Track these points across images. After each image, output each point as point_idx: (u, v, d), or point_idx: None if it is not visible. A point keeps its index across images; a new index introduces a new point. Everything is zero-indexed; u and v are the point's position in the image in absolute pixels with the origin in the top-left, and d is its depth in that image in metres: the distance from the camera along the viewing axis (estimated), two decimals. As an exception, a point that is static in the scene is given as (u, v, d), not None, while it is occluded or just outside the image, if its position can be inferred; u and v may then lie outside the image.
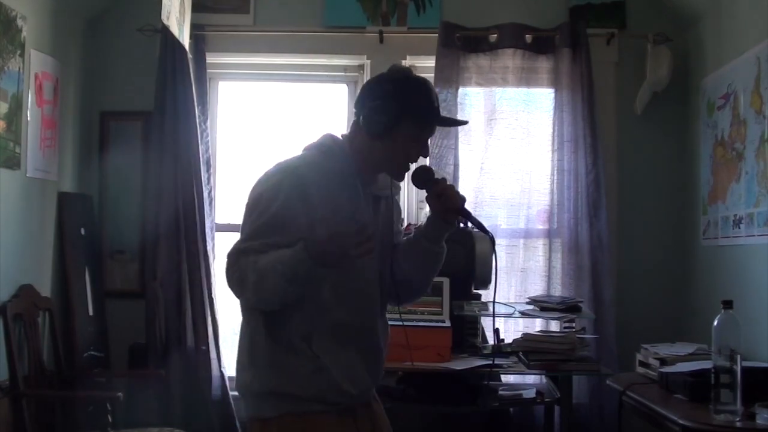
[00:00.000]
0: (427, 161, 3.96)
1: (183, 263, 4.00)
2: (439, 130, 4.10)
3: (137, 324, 4.00)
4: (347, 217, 1.96)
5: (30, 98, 3.63)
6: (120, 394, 3.40)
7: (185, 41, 4.05)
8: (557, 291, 4.07)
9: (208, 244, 4.07)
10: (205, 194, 4.11)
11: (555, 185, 4.15)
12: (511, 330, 3.98)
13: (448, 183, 2.11)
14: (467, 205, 2.10)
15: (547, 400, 3.54)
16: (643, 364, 3.32)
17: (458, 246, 3.56)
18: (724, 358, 2.53)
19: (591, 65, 4.09)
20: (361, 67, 4.36)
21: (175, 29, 3.91)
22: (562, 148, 4.13)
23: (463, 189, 3.88)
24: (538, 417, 3.89)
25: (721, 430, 2.49)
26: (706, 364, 2.73)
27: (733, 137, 3.58)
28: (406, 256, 2.15)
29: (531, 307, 3.67)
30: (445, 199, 2.06)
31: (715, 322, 2.59)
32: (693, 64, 4.14)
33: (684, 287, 4.13)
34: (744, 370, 2.53)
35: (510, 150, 4.18)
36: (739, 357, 2.52)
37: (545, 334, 3.53)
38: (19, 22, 3.51)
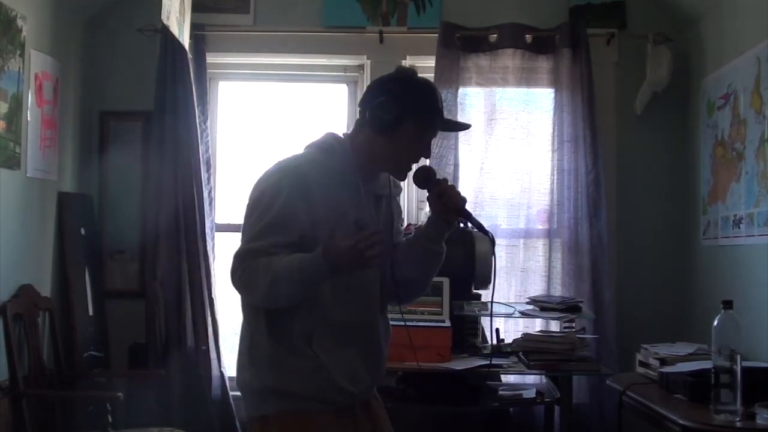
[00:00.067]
0: (428, 161, 3.99)
1: (183, 263, 4.00)
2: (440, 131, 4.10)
3: (137, 324, 4.00)
4: (349, 216, 1.96)
5: (30, 98, 3.63)
6: (120, 394, 3.40)
7: (185, 41, 4.05)
8: (557, 291, 4.07)
9: (208, 244, 4.07)
10: (205, 194, 4.11)
11: (555, 185, 4.15)
12: (511, 330, 3.97)
13: (449, 183, 2.12)
14: (467, 206, 2.11)
15: (547, 400, 3.54)
16: (643, 364, 3.32)
17: (458, 246, 3.56)
18: (724, 358, 2.53)
19: (591, 65, 4.09)
20: (361, 67, 4.36)
21: (175, 29, 3.90)
22: (562, 148, 4.13)
23: (463, 189, 3.87)
24: (538, 417, 3.89)
25: (721, 430, 2.49)
26: (706, 364, 2.73)
27: (733, 137, 3.58)
28: (406, 255, 2.16)
29: (531, 307, 3.67)
30: (446, 199, 2.06)
31: (715, 322, 2.59)
32: (693, 64, 4.14)
33: (684, 287, 4.13)
34: (744, 370, 2.53)
35: (510, 150, 4.18)
36: (739, 357, 2.52)
37: (545, 334, 3.53)
38: (19, 22, 3.51)
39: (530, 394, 3.53)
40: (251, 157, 4.41)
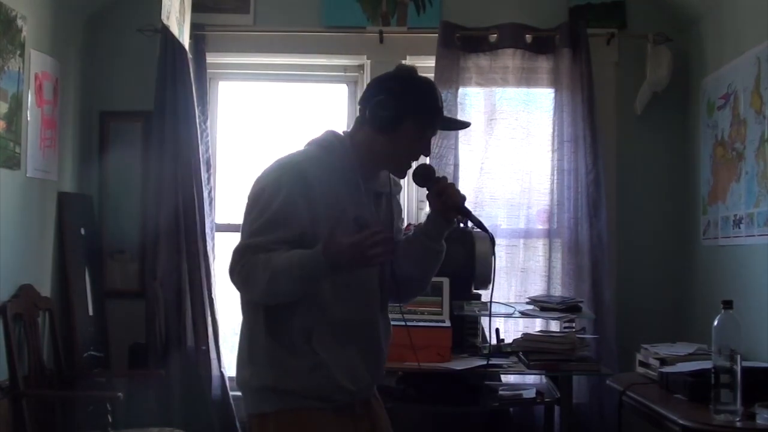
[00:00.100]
0: (428, 160, 3.99)
1: (183, 263, 4.00)
2: (440, 131, 4.10)
3: (137, 324, 4.00)
4: (348, 214, 1.96)
5: (30, 98, 3.63)
6: (120, 394, 3.40)
7: (185, 41, 4.05)
8: (557, 291, 4.07)
9: (208, 244, 4.07)
10: (205, 194, 4.11)
11: (555, 185, 4.15)
12: (511, 330, 3.97)
13: (448, 181, 2.12)
14: (467, 204, 2.10)
15: (547, 400, 3.54)
16: (643, 364, 3.32)
17: (458, 246, 3.56)
18: (724, 358, 2.53)
19: (591, 65, 4.09)
20: (361, 67, 4.36)
21: (175, 29, 3.90)
22: (562, 148, 4.13)
23: (463, 189, 3.82)
24: (538, 417, 3.89)
25: (721, 430, 2.49)
26: (706, 364, 2.73)
27: (733, 137, 3.58)
28: (406, 254, 2.16)
29: (531, 307, 3.67)
30: (446, 197, 2.07)
31: (715, 322, 2.59)
32: (693, 64, 4.14)
33: (684, 287, 4.13)
34: (744, 370, 2.53)
35: (510, 150, 4.18)
36: (739, 357, 2.52)
37: (545, 334, 3.53)
38: (19, 22, 3.51)
39: (530, 394, 3.53)
40: (251, 157, 4.41)
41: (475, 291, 3.69)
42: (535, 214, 4.21)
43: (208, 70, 4.27)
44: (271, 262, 1.89)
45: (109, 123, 4.30)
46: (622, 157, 4.24)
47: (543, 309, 3.58)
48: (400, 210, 2.29)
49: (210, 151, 4.25)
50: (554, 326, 3.73)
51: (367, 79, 4.25)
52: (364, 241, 1.84)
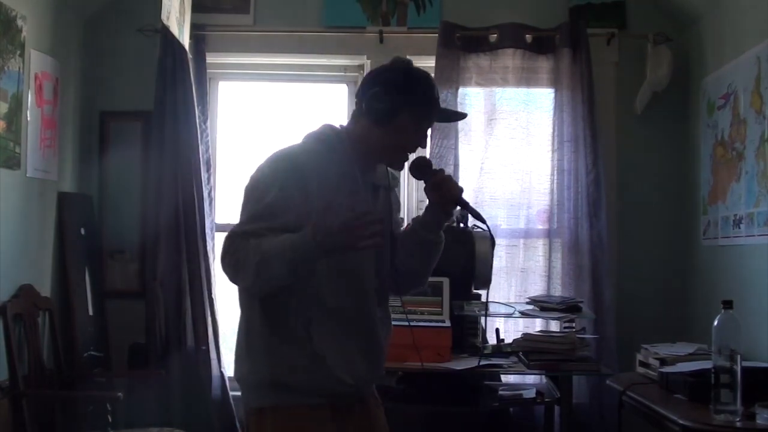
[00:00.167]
0: (427, 153, 3.99)
1: (183, 263, 4.00)
2: (439, 130, 4.11)
3: (137, 324, 4.00)
4: (345, 205, 1.96)
5: (30, 98, 3.63)
6: (120, 394, 3.40)
7: (185, 41, 4.05)
8: (557, 291, 4.07)
9: (208, 244, 4.07)
10: (205, 194, 4.11)
11: (555, 185, 4.15)
12: (511, 330, 3.98)
13: (445, 173, 2.12)
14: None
15: (547, 400, 3.54)
16: (643, 364, 3.32)
17: (458, 246, 3.56)
18: (724, 358, 2.53)
19: (591, 65, 4.09)
20: (361, 67, 4.36)
21: (175, 29, 3.91)
22: (562, 148, 4.13)
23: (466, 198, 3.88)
24: (538, 417, 3.89)
25: (721, 430, 2.49)
26: (706, 364, 2.73)
27: (733, 137, 3.58)
28: (405, 246, 2.16)
29: (531, 307, 3.67)
30: (444, 189, 2.07)
31: (715, 322, 2.59)
32: (693, 64, 4.14)
33: (684, 287, 4.13)
34: (744, 370, 2.53)
35: (510, 150, 4.18)
36: (739, 357, 2.52)
37: (545, 334, 3.53)
38: (19, 22, 3.51)
39: (530, 394, 3.53)
40: (251, 157, 4.40)
41: (475, 291, 3.69)
42: (535, 214, 4.22)
43: (208, 70, 4.27)
44: (261, 246, 1.87)
45: (109, 123, 4.30)
46: (622, 157, 4.24)
47: (543, 309, 3.58)
48: (399, 203, 2.28)
49: (210, 151, 4.25)
50: (554, 326, 3.73)
51: (367, 79, 4.24)
52: (354, 222, 1.82)
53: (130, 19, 4.20)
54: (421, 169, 2.11)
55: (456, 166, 4.12)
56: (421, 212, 2.19)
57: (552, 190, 4.16)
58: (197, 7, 4.14)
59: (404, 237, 2.18)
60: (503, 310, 3.67)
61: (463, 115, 2.33)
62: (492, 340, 3.65)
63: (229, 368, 3.98)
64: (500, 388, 3.59)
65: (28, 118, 3.62)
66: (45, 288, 3.77)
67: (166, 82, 4.02)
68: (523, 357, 3.37)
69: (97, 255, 4.21)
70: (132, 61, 4.27)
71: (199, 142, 4.09)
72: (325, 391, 2.00)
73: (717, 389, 2.55)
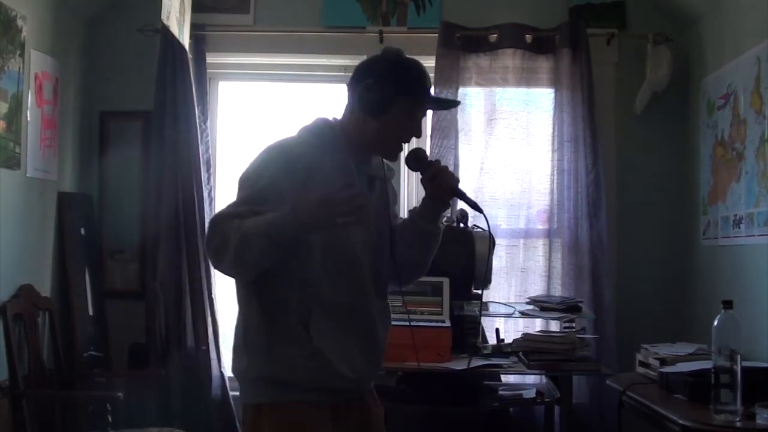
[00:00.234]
0: (427, 153, 3.98)
1: (183, 263, 4.00)
2: (439, 130, 4.11)
3: (137, 324, 4.00)
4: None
5: (30, 98, 3.63)
6: (120, 394, 3.40)
7: (185, 41, 4.05)
8: (557, 291, 4.07)
9: (208, 244, 4.06)
10: (205, 194, 4.11)
11: (555, 185, 4.15)
12: (511, 330, 3.97)
13: (441, 164, 2.12)
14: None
15: (547, 400, 3.54)
16: (643, 364, 3.32)
17: (458, 246, 3.56)
18: (724, 358, 2.53)
19: (591, 65, 4.09)
20: (361, 67, 4.35)
21: (175, 29, 3.91)
22: (562, 148, 4.13)
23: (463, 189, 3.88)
24: (538, 417, 3.89)
25: (721, 430, 2.49)
26: (706, 364, 2.73)
27: (733, 137, 3.58)
28: (402, 237, 2.16)
29: (531, 307, 3.67)
30: (440, 180, 2.07)
31: (715, 322, 2.59)
32: (693, 64, 4.14)
33: (684, 287, 4.13)
34: (744, 370, 2.53)
35: (510, 150, 4.18)
36: (739, 357, 2.52)
37: (545, 334, 3.53)
38: (19, 22, 3.51)
39: (530, 394, 3.53)
40: (251, 157, 4.40)
41: (475, 291, 3.69)
42: (535, 214, 4.22)
43: (208, 70, 4.27)
44: (243, 226, 1.85)
45: (109, 123, 4.30)
46: (622, 157, 4.24)
47: (543, 309, 3.58)
48: (396, 195, 2.27)
49: (210, 151, 4.25)
50: (554, 326, 3.73)
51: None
52: (334, 197, 1.80)
53: (130, 19, 4.20)
54: (417, 161, 2.11)
55: (456, 166, 4.12)
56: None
57: (552, 190, 4.16)
58: (197, 7, 4.14)
59: (402, 228, 2.17)
60: (503, 310, 3.67)
61: (455, 102, 2.34)
62: (492, 340, 3.65)
63: (229, 368, 3.98)
64: (500, 388, 3.59)
65: (28, 118, 3.62)
66: (45, 288, 3.77)
67: (166, 82, 4.02)
68: (523, 357, 3.37)
69: (97, 255, 4.21)
70: (132, 61, 4.27)
71: (199, 142, 4.09)
72: (324, 387, 1.99)
73: (717, 389, 2.55)
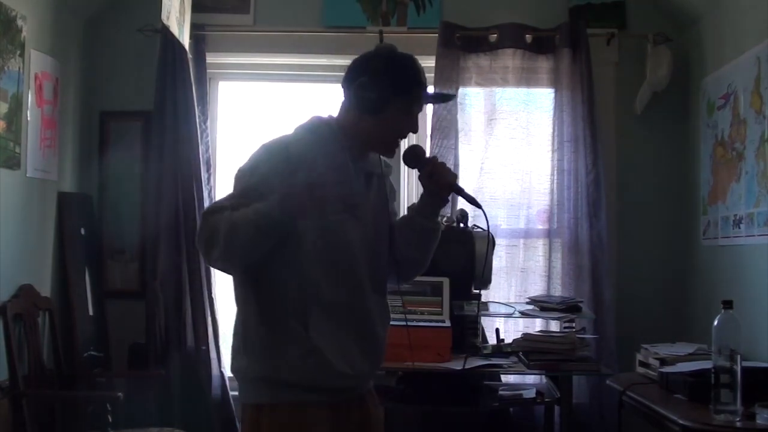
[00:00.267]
0: (427, 146, 3.99)
1: (183, 263, 4.00)
2: (439, 130, 4.11)
3: (137, 324, 4.00)
4: (336, 193, 1.95)
5: (30, 98, 3.63)
6: (120, 394, 3.40)
7: (185, 41, 4.05)
8: (557, 291, 4.07)
9: (208, 243, 4.06)
10: (205, 194, 4.11)
11: (555, 185, 4.15)
12: (511, 330, 3.98)
13: (438, 160, 2.12)
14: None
15: (547, 400, 3.54)
16: (643, 364, 3.32)
17: (458, 246, 3.57)
18: (724, 358, 2.53)
19: (591, 65, 4.09)
20: (361, 67, 4.35)
21: (175, 29, 3.91)
22: (562, 148, 4.13)
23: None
24: (538, 417, 3.89)
25: (721, 430, 2.49)
26: (706, 364, 2.73)
27: (733, 137, 3.58)
28: (402, 234, 2.15)
29: (531, 307, 3.67)
30: (438, 176, 2.07)
31: (715, 322, 2.59)
32: (693, 64, 4.14)
33: (684, 287, 4.12)
34: (744, 370, 2.53)
35: (510, 150, 4.18)
36: (739, 357, 2.52)
37: (545, 334, 3.53)
38: (19, 22, 3.51)
39: (530, 394, 3.53)
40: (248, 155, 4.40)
41: (475, 291, 3.69)
42: (535, 214, 4.22)
43: (208, 70, 4.27)
44: (233, 216, 1.87)
45: (109, 123, 4.30)
46: (622, 157, 4.24)
47: (543, 309, 3.58)
48: (394, 191, 2.26)
49: (210, 151, 4.25)
50: (554, 326, 3.73)
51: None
52: (317, 180, 1.81)
53: (130, 19, 4.20)
54: (414, 158, 2.11)
55: (456, 166, 4.12)
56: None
57: (552, 190, 4.16)
58: (197, 7, 4.14)
59: (401, 225, 2.17)
60: (503, 310, 3.67)
61: (451, 96, 2.34)
62: (492, 340, 3.65)
63: (229, 368, 3.97)
64: (500, 388, 3.59)
65: (28, 118, 3.62)
66: (45, 288, 3.77)
67: (166, 82, 4.02)
68: (523, 357, 3.37)
69: (97, 255, 4.21)
70: (132, 61, 4.27)
71: (199, 142, 4.09)
72: (324, 386, 1.98)
73: (717, 389, 2.55)
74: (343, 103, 2.10)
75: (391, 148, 2.10)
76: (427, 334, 3.26)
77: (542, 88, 4.23)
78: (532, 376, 3.81)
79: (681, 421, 2.60)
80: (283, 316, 1.97)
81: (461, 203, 3.91)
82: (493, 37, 4.17)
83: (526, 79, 4.18)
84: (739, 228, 3.49)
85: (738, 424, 2.50)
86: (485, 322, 3.78)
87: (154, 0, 3.80)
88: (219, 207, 1.93)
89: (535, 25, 4.18)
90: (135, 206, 4.19)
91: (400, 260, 2.15)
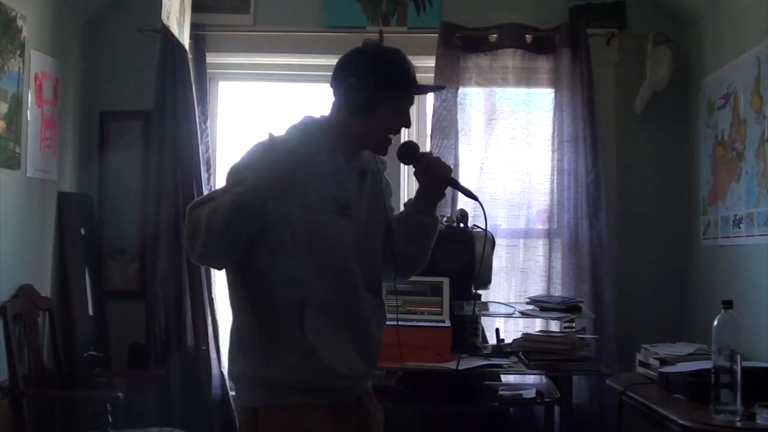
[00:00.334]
0: (427, 146, 3.98)
1: (183, 263, 4.00)
2: (440, 130, 4.11)
3: (137, 324, 4.00)
4: (327, 193, 1.96)
5: (30, 98, 3.63)
6: (120, 394, 3.40)
7: (185, 41, 4.05)
8: (557, 291, 4.07)
9: (208, 244, 4.06)
10: (205, 194, 4.10)
11: (555, 185, 4.15)
12: (511, 330, 3.98)
13: (432, 155, 2.12)
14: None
15: (547, 400, 3.54)
16: (643, 364, 3.32)
17: (458, 246, 3.57)
18: (724, 358, 2.53)
19: (591, 65, 4.09)
20: (361, 67, 4.35)
21: (175, 29, 3.91)
22: (562, 148, 4.13)
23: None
24: (538, 417, 3.89)
25: (721, 430, 2.49)
26: (706, 364, 2.73)
27: (733, 137, 3.58)
28: (400, 231, 2.14)
29: (531, 307, 3.67)
30: (433, 171, 2.06)
31: (715, 322, 2.59)
32: (693, 64, 4.14)
33: (684, 287, 4.13)
34: (744, 370, 2.53)
35: (510, 150, 4.18)
36: (739, 357, 2.52)
37: (545, 334, 3.53)
38: (19, 22, 3.51)
39: (530, 394, 3.53)
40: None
41: (475, 291, 3.68)
42: (535, 214, 4.22)
43: (208, 70, 4.27)
44: (212, 205, 1.87)
45: (109, 123, 4.30)
46: (622, 157, 4.24)
47: (543, 309, 3.58)
48: (390, 186, 2.24)
49: (210, 151, 4.25)
50: (554, 326, 3.73)
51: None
52: (290, 159, 1.83)
53: (130, 19, 4.20)
54: (408, 154, 2.10)
55: (456, 166, 4.12)
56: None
57: (552, 190, 4.16)
58: (197, 7, 4.14)
59: (398, 222, 2.15)
60: (503, 310, 3.67)
61: (441, 87, 2.33)
62: (492, 340, 3.65)
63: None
64: (500, 388, 3.59)
65: (28, 118, 3.62)
66: (45, 288, 3.77)
67: (166, 82, 4.02)
68: (523, 357, 3.37)
69: (97, 255, 4.21)
70: (132, 61, 4.27)
71: (199, 142, 4.09)
72: (322, 387, 1.97)
73: (717, 389, 2.56)
74: (334, 104, 2.09)
75: (384, 146, 2.09)
76: (426, 334, 3.26)
77: (542, 88, 4.23)
78: (532, 376, 3.81)
79: (681, 421, 2.60)
80: (278, 317, 1.96)
81: (461, 203, 3.91)
82: (493, 37, 4.17)
83: (526, 79, 4.18)
84: (739, 228, 3.49)
85: (738, 424, 2.50)
86: (485, 322, 3.78)
87: (154, 0, 3.80)
88: (200, 201, 1.93)
89: (535, 25, 4.18)
90: (135, 206, 4.19)
91: (398, 257, 2.14)
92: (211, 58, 4.27)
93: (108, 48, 4.29)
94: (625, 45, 4.24)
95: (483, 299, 3.75)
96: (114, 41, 4.28)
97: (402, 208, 2.20)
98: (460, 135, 4.16)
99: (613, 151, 4.22)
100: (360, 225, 2.05)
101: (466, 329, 3.55)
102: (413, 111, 4.50)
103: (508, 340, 3.68)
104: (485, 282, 3.67)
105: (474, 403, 3.38)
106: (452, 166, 4.03)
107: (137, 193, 4.19)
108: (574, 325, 3.48)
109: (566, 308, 3.51)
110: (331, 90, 2.10)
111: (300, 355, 1.95)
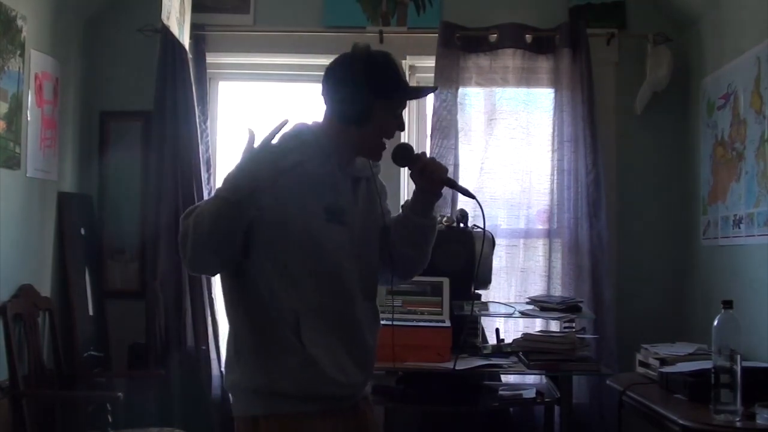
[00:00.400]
0: (427, 146, 3.98)
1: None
2: (440, 130, 4.11)
3: (137, 324, 4.00)
4: (320, 201, 1.96)
5: (30, 98, 3.63)
6: (120, 394, 3.40)
7: (185, 41, 4.05)
8: (557, 291, 4.07)
9: (208, 244, 4.06)
10: (205, 194, 4.11)
11: (555, 185, 4.15)
12: (511, 330, 3.98)
13: (427, 156, 2.11)
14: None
15: (547, 400, 3.54)
16: (643, 364, 3.32)
17: (458, 246, 3.56)
18: (724, 358, 2.53)
19: (591, 65, 4.09)
20: (361, 67, 4.35)
21: (175, 29, 3.91)
22: (562, 148, 4.13)
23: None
24: (538, 417, 3.89)
25: (721, 430, 2.49)
26: (706, 364, 2.73)
27: (733, 137, 3.58)
28: (397, 233, 2.13)
29: (531, 307, 3.67)
30: (429, 172, 2.06)
31: (715, 322, 2.59)
32: (693, 64, 4.14)
33: (684, 287, 4.13)
34: (744, 370, 2.53)
35: (510, 150, 4.18)
36: (739, 357, 2.52)
37: (545, 334, 3.53)
38: (19, 22, 3.51)
39: (530, 394, 3.52)
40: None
41: (475, 291, 3.68)
42: (535, 214, 4.22)
43: (208, 70, 4.27)
44: (200, 209, 1.87)
45: (109, 123, 4.30)
46: (622, 157, 4.24)
47: (543, 309, 3.58)
48: (385, 189, 2.22)
49: (210, 151, 4.25)
50: (554, 326, 3.73)
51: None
52: (273, 149, 1.85)
53: (130, 19, 4.20)
54: (403, 157, 2.09)
55: (456, 166, 4.12)
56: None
57: (552, 190, 4.16)
58: (197, 7, 4.14)
59: (396, 224, 2.14)
60: (503, 310, 3.67)
61: (433, 88, 2.33)
62: (492, 340, 3.65)
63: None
64: (500, 388, 3.58)
65: (28, 118, 3.62)
66: (45, 288, 3.77)
67: (166, 82, 4.02)
68: (523, 357, 3.37)
69: (97, 255, 4.21)
70: (132, 61, 4.27)
71: (199, 142, 4.10)
72: (318, 394, 1.96)
73: (717, 389, 2.55)
74: (326, 112, 2.07)
75: (379, 152, 2.08)
76: (426, 334, 3.26)
77: (542, 88, 4.23)
78: (532, 376, 3.81)
79: (681, 421, 2.60)
80: (274, 325, 1.95)
81: (461, 203, 3.91)
82: (493, 37, 4.17)
83: (526, 79, 4.18)
84: (739, 228, 3.49)
85: (738, 424, 2.50)
86: (485, 322, 3.77)
87: (154, 0, 3.80)
88: (190, 210, 1.92)
89: (535, 25, 4.18)
90: (135, 206, 4.19)
91: (396, 259, 2.13)
92: (211, 58, 4.27)
93: (108, 48, 4.30)
94: (625, 45, 4.24)
95: (483, 299, 3.74)
96: (114, 41, 4.29)
97: (400, 211, 2.19)
98: (460, 135, 4.16)
99: (613, 151, 4.22)
100: (355, 231, 2.04)
101: (466, 329, 3.55)
102: (413, 111, 4.54)
103: (508, 340, 3.68)
104: (485, 282, 3.67)
105: (474, 403, 3.38)
106: (452, 166, 4.10)
107: (137, 193, 4.19)
108: (574, 325, 3.48)
109: (566, 308, 3.50)
110: (321, 97, 2.08)
111: (298, 363, 1.94)
